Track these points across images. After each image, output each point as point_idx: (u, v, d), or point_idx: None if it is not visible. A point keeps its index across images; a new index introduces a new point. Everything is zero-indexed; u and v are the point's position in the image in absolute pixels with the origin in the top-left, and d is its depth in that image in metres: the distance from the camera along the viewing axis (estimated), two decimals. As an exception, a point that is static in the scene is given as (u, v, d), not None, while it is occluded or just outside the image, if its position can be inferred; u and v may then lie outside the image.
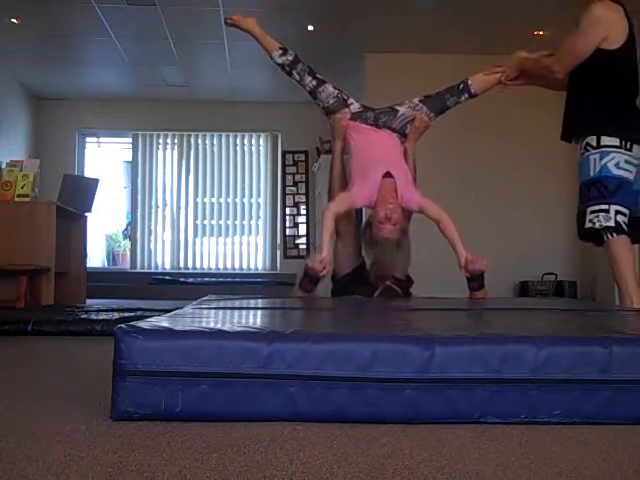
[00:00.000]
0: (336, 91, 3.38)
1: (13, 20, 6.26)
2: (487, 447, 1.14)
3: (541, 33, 6.11)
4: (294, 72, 3.39)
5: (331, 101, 3.36)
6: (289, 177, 9.18)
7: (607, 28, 3.00)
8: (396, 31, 6.49)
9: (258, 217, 9.32)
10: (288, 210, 9.17)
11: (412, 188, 3.12)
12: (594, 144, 3.02)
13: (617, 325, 1.84)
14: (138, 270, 8.98)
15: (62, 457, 1.04)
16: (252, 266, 9.25)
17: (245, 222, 9.32)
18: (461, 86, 3.34)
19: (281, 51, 3.40)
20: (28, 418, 1.32)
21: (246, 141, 9.33)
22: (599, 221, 2.98)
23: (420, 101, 3.36)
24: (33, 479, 0.94)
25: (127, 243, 9.86)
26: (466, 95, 3.34)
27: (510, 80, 3.33)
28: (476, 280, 3.03)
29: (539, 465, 1.04)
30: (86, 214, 5.71)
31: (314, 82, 3.37)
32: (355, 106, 3.38)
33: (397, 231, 3.00)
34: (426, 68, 6.57)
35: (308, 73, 3.38)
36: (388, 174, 3.05)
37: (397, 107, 3.37)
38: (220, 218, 9.28)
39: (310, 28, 6.45)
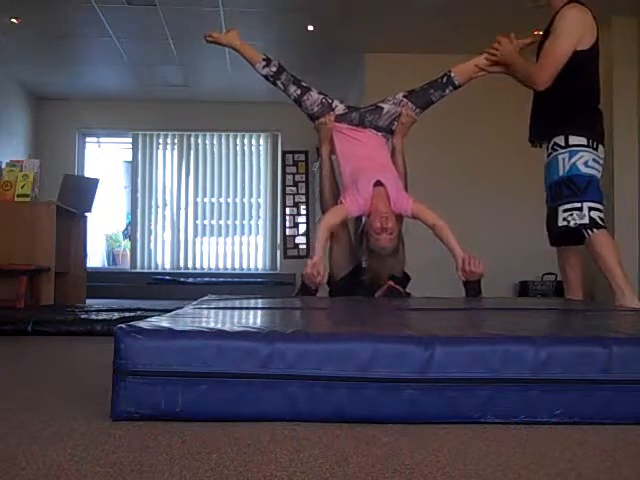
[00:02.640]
0: (321, 97, 3.43)
1: (13, 20, 6.26)
2: (487, 447, 1.14)
3: (541, 33, 6.11)
4: (278, 82, 3.46)
5: (315, 108, 3.42)
6: (289, 177, 9.18)
7: (583, 29, 3.05)
8: (396, 31, 6.49)
9: (258, 217, 9.32)
10: (288, 210, 9.17)
11: (403, 193, 3.13)
12: (562, 144, 3.02)
13: (617, 325, 1.84)
14: (138, 270, 8.99)
15: (62, 457, 1.04)
16: (252, 266, 9.25)
17: (245, 222, 9.32)
18: (444, 79, 3.37)
19: (264, 62, 3.45)
20: (28, 418, 1.32)
21: (246, 141, 9.33)
22: (573, 219, 2.97)
23: (404, 96, 3.39)
24: (33, 479, 0.94)
25: (127, 243, 9.86)
26: (450, 88, 3.37)
27: (489, 66, 3.33)
28: (472, 289, 3.01)
29: (539, 465, 1.04)
30: (86, 214, 5.71)
31: (298, 91, 3.42)
32: (340, 108, 3.42)
33: (394, 239, 3.00)
34: (426, 68, 6.50)
35: (292, 82, 3.43)
36: (378, 182, 3.06)
37: (382, 104, 3.40)
38: (220, 218, 9.28)
39: (310, 28, 6.45)
